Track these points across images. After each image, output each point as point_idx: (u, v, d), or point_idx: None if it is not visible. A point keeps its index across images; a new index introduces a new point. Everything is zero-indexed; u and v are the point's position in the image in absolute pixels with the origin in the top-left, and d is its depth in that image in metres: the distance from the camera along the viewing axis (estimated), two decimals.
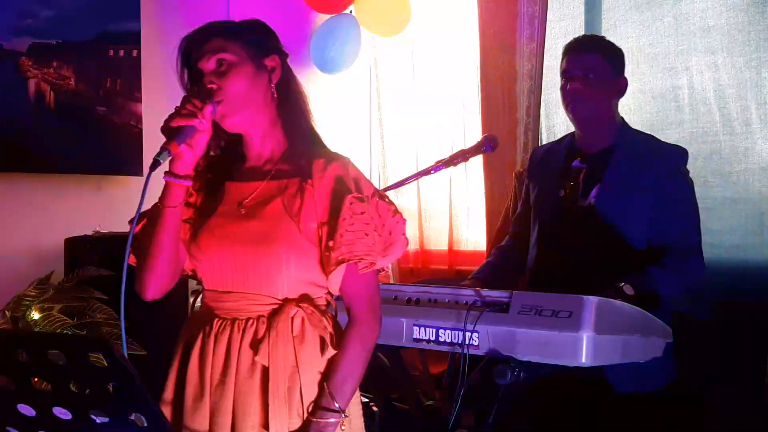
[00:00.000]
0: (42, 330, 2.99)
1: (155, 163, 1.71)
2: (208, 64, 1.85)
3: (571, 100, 2.71)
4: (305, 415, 1.82)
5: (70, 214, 3.75)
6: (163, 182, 1.81)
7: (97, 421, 1.45)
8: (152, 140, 3.96)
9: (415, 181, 2.99)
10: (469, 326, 2.26)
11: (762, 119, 3.14)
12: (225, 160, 1.93)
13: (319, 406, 1.82)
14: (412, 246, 4.33)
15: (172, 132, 1.75)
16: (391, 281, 4.14)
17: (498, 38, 3.89)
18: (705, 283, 2.64)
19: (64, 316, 3.04)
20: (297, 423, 1.82)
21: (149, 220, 1.86)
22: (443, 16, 4.33)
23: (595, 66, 2.68)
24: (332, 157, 1.90)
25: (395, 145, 4.50)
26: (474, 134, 4.09)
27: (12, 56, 3.69)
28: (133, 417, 1.43)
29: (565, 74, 2.73)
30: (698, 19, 3.31)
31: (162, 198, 1.80)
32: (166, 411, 1.86)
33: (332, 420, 1.82)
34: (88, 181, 3.88)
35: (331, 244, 1.81)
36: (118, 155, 3.94)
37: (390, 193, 2.58)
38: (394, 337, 2.44)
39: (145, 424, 1.42)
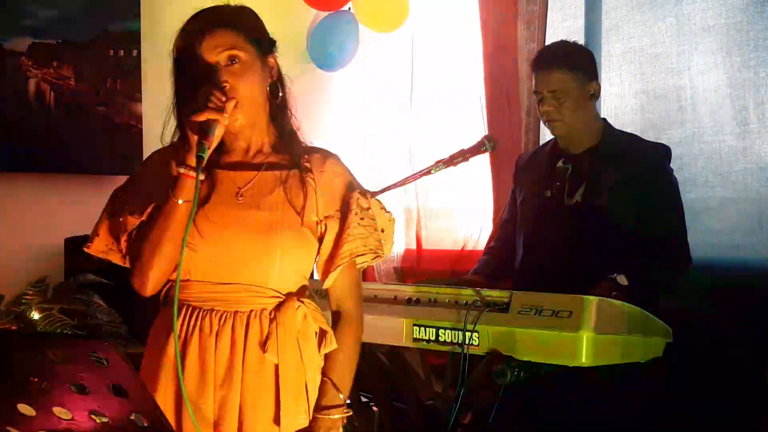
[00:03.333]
0: (42, 330, 2.99)
1: (200, 160, 1.68)
2: (219, 58, 1.79)
3: (546, 120, 2.75)
4: (309, 411, 1.82)
5: (70, 214, 3.74)
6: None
7: (97, 421, 1.46)
8: (152, 140, 3.97)
9: (415, 182, 2.99)
10: (469, 326, 2.27)
11: (761, 119, 3.14)
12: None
13: (325, 403, 1.83)
14: (413, 246, 4.33)
15: (201, 126, 1.71)
16: (392, 281, 4.15)
17: (499, 38, 3.89)
18: (705, 281, 2.66)
19: (64, 316, 3.05)
20: (304, 420, 1.82)
21: (155, 214, 1.78)
22: (442, 14, 4.32)
23: (563, 83, 2.70)
24: (327, 153, 1.91)
25: (393, 144, 4.49)
26: (474, 134, 4.09)
27: (12, 56, 3.69)
28: (133, 417, 1.43)
29: (536, 94, 2.77)
30: (699, 19, 3.31)
31: (177, 192, 1.72)
32: (168, 408, 1.79)
33: (337, 416, 1.83)
34: (88, 181, 3.88)
35: (342, 237, 1.82)
36: (118, 155, 3.94)
37: (389, 193, 2.59)
38: (394, 337, 2.44)
39: (146, 424, 1.42)
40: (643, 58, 3.50)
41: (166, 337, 1.81)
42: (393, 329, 2.43)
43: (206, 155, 1.70)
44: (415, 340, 2.42)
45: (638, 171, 2.65)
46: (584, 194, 2.68)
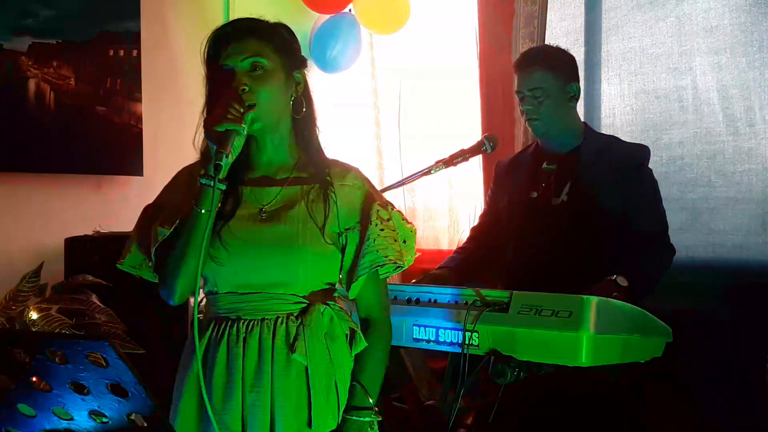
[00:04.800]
0: (40, 330, 2.98)
1: (217, 168, 1.72)
2: (242, 64, 1.84)
3: (527, 119, 2.80)
4: (338, 413, 1.84)
5: (70, 214, 3.74)
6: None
7: (97, 421, 1.45)
8: (152, 140, 3.99)
9: (415, 181, 2.99)
10: (469, 326, 2.26)
11: (765, 120, 3.14)
12: (235, 163, 1.89)
13: (354, 405, 1.86)
14: None
15: (220, 136, 1.75)
16: (392, 281, 4.14)
17: (496, 37, 3.89)
18: (707, 281, 2.67)
19: (63, 316, 3.04)
20: (332, 422, 1.84)
21: (182, 226, 1.83)
22: (442, 14, 4.33)
23: (542, 83, 2.75)
24: (347, 167, 1.95)
25: (392, 144, 4.49)
26: (473, 134, 4.09)
27: (12, 56, 3.69)
28: (133, 417, 1.43)
29: (517, 94, 2.82)
30: (701, 20, 3.31)
31: (200, 203, 1.77)
32: (190, 418, 1.83)
33: (367, 419, 1.85)
34: (88, 181, 3.87)
35: (362, 249, 1.85)
36: (118, 155, 3.93)
37: (389, 193, 2.59)
38: (394, 337, 2.42)
39: (145, 424, 1.42)
40: (644, 58, 3.50)
41: (193, 350, 1.84)
42: (393, 329, 2.42)
43: (224, 163, 1.73)
44: (415, 340, 2.42)
45: (621, 169, 2.71)
46: (569, 193, 2.73)
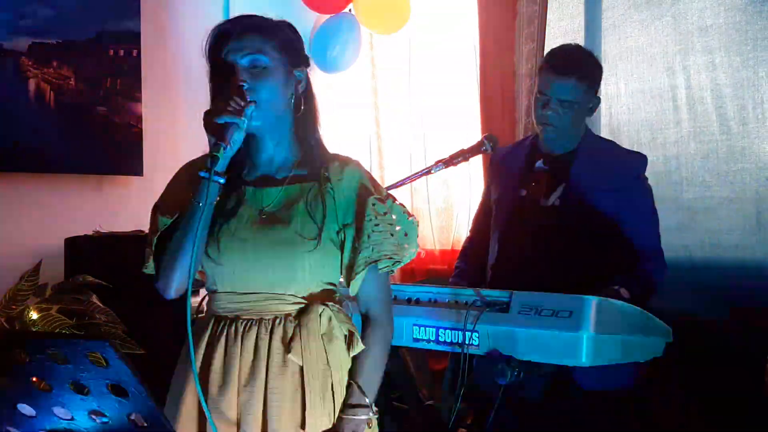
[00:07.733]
0: (41, 330, 2.98)
1: (214, 159, 1.72)
2: (242, 61, 1.83)
3: (543, 123, 2.67)
4: (334, 413, 1.84)
5: (70, 214, 3.75)
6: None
7: (97, 421, 1.46)
8: (152, 140, 3.99)
9: (415, 181, 2.99)
10: (469, 326, 2.27)
11: (759, 118, 3.15)
12: (236, 162, 1.89)
13: (350, 404, 1.84)
14: None
15: (219, 128, 1.75)
16: (391, 281, 4.14)
17: (497, 37, 3.89)
18: (703, 280, 2.65)
19: (63, 316, 3.04)
20: (327, 422, 1.83)
21: (180, 217, 1.83)
22: (442, 14, 4.33)
23: (575, 95, 2.63)
24: (346, 161, 1.93)
25: (393, 144, 4.50)
26: (473, 134, 4.09)
27: (12, 56, 3.69)
28: (133, 417, 1.43)
29: (541, 95, 2.66)
30: (696, 19, 3.32)
31: (197, 195, 1.76)
32: (191, 411, 1.84)
33: (363, 417, 1.84)
34: (88, 181, 3.88)
35: (358, 245, 1.84)
36: (118, 155, 3.94)
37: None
38: (394, 337, 2.44)
39: (145, 424, 1.42)
40: (640, 58, 3.50)
41: (194, 345, 1.84)
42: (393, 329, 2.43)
43: (221, 155, 1.73)
44: (415, 340, 2.42)
45: (617, 178, 2.64)
46: (563, 197, 2.66)
